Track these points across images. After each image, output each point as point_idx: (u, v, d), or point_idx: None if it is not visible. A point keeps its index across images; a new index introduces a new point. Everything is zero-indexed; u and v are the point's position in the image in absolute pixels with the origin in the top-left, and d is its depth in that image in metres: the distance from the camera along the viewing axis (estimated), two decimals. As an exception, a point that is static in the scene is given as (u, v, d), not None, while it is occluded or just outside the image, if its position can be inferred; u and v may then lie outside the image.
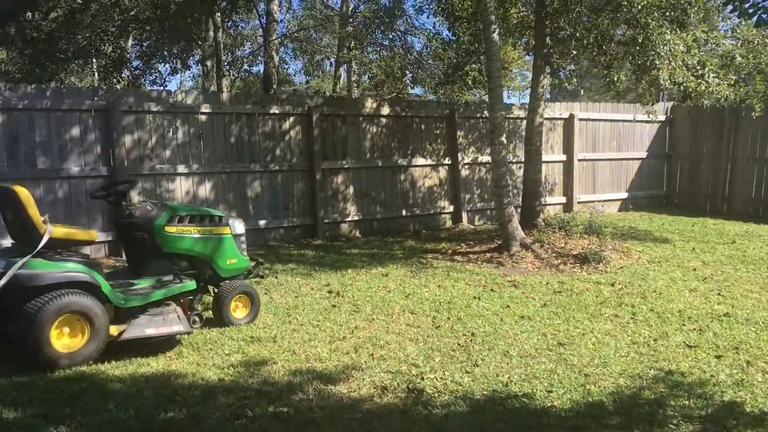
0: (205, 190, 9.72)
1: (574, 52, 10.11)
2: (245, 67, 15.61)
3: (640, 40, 9.02)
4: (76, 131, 8.70)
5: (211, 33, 14.28)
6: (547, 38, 10.11)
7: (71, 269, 4.82)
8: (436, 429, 3.83)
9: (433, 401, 4.22)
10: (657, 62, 8.94)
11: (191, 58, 14.71)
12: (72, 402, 4.08)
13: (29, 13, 12.13)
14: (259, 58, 15.83)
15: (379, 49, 15.45)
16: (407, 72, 15.13)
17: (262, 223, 10.12)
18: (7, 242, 7.78)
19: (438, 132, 12.11)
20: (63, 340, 4.69)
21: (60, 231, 4.99)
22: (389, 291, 7.22)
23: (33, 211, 4.81)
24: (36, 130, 8.41)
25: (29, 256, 4.74)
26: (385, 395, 4.30)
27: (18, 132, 8.30)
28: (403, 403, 4.17)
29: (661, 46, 8.87)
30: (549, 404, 4.25)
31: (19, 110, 8.30)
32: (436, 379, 4.59)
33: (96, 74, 18.64)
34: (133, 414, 3.90)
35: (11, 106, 8.22)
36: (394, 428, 3.81)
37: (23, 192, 4.80)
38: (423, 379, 4.59)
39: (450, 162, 12.17)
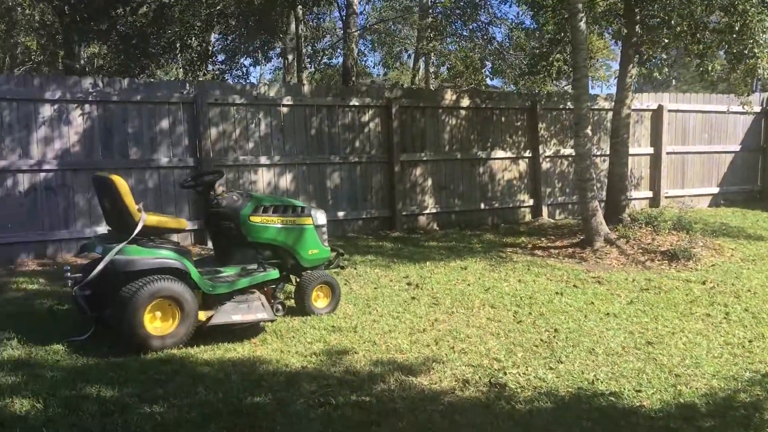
0: (286, 181, 9.90)
1: (666, 41, 9.71)
2: (325, 59, 15.78)
3: (737, 28, 8.58)
4: (165, 123, 9.02)
5: (293, 26, 14.51)
6: (637, 26, 9.75)
7: (163, 256, 5.00)
8: (519, 425, 3.77)
9: (515, 396, 4.16)
10: (756, 51, 8.48)
11: (272, 50, 14.99)
12: (164, 383, 4.23)
13: (120, 9, 12.63)
14: (339, 50, 15.97)
15: (458, 39, 15.31)
16: (487, 63, 14.93)
17: (340, 214, 10.22)
18: (102, 229, 8.17)
19: (519, 124, 11.91)
20: (155, 324, 4.88)
21: (153, 219, 5.18)
22: (468, 284, 7.16)
23: (129, 199, 5.01)
24: (129, 121, 8.78)
25: (125, 242, 4.95)
26: (466, 388, 4.27)
27: (112, 124, 8.68)
28: (486, 397, 4.13)
29: (759, 34, 8.41)
30: (638, 404, 4.12)
31: (114, 103, 8.68)
32: (519, 375, 4.52)
33: (180, 68, 19.26)
34: (222, 397, 4.01)
35: (107, 98, 8.60)
36: (477, 422, 3.77)
37: (120, 181, 5.01)
38: (505, 373, 4.53)
39: (530, 155, 11.95)
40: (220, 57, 15.08)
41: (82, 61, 13.63)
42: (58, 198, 8.35)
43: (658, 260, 8.29)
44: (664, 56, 11.19)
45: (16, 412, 3.76)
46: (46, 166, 8.25)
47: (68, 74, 11.89)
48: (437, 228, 11.06)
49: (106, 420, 3.68)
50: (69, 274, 5.12)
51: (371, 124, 10.56)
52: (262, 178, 9.72)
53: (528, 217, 12.00)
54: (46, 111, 8.29)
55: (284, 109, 9.86)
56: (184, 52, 13.40)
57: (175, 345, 4.90)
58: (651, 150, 13.06)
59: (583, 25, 8.73)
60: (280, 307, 5.71)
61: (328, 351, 4.93)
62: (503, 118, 11.76)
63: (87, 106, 8.52)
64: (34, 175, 8.23)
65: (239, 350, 4.94)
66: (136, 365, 4.55)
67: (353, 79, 15.15)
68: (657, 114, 13.01)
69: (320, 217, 6.09)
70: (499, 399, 4.11)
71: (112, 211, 5.20)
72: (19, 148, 8.14)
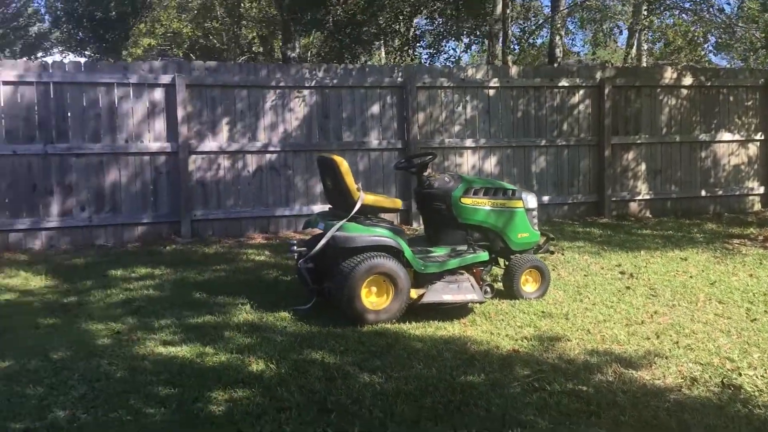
0: (490, 164, 9.84)
1: None
2: (530, 39, 15.40)
3: None
4: (376, 107, 9.38)
5: (498, 8, 14.33)
6: None
7: (379, 234, 5.20)
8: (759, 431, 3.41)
9: (753, 400, 3.76)
10: None
11: (479, 33, 14.92)
12: (381, 355, 4.41)
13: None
14: (544, 29, 15.49)
15: (677, 13, 14.14)
16: (710, 37, 13.65)
17: (545, 198, 9.96)
18: (318, 208, 8.72)
19: (749, 104, 10.78)
20: (370, 298, 5.10)
21: (370, 198, 5.41)
22: (690, 276, 6.62)
23: (349, 179, 5.28)
24: (342, 106, 9.25)
25: (344, 220, 5.23)
26: (694, 387, 3.95)
27: (329, 108, 9.20)
28: (717, 398, 3.78)
29: None
30: None
31: (330, 88, 9.19)
32: (756, 377, 4.09)
33: (383, 52, 19.84)
34: (436, 373, 4.09)
35: (324, 85, 9.13)
36: (709, 423, 3.47)
37: (342, 162, 5.28)
38: (740, 374, 4.12)
39: (762, 137, 10.77)
40: (427, 41, 15.32)
41: (297, 50, 14.60)
42: (280, 178, 9.05)
43: None
44: None
45: (253, 371, 4.13)
46: (270, 148, 8.97)
47: (284, 62, 12.79)
48: (650, 215, 10.38)
49: (330, 385, 3.91)
50: (295, 248, 5.52)
51: (581, 106, 10.14)
52: (467, 161, 9.75)
53: (757, 206, 10.85)
54: (271, 97, 8.99)
55: (490, 92, 9.80)
56: (391, 37, 13.81)
57: (388, 320, 5.08)
58: None
59: (837, -13, 7.64)
60: (488, 289, 5.70)
61: (539, 336, 4.83)
62: (731, 98, 10.70)
63: (306, 92, 9.11)
64: (261, 156, 8.98)
65: (449, 329, 5.00)
66: (354, 336, 4.79)
67: (559, 59, 14.64)
68: None
69: (531, 201, 5.97)
70: (733, 401, 3.74)
71: (334, 189, 5.50)
72: (249, 132, 8.92)
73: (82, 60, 16.01)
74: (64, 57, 25.33)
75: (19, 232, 7.98)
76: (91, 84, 8.24)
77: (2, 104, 7.90)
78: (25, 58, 24.15)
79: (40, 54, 27.82)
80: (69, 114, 8.16)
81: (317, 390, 3.83)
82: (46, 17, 27.59)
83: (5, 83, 7.87)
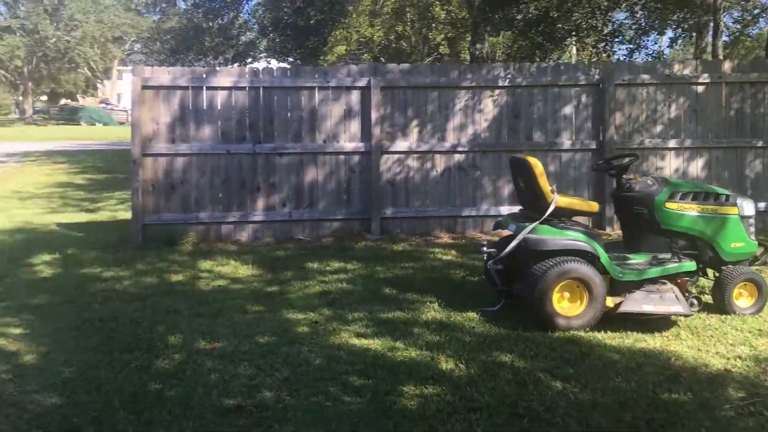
0: (696, 167, 9.09)
1: None
2: (746, 31, 14.01)
3: None
4: (568, 106, 9.04)
5: (709, -3, 13.21)
6: None
7: (573, 237, 5.00)
8: None
9: None
10: None
11: (686, 25, 13.87)
12: (574, 363, 4.23)
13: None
14: (761, 19, 14.01)
15: None
16: None
17: (761, 205, 8.95)
18: (504, 209, 8.59)
19: None
20: (562, 304, 4.92)
21: (564, 201, 5.22)
22: None
23: (543, 180, 5.13)
24: (534, 105, 9.03)
25: (537, 222, 5.09)
26: None
27: (519, 108, 9.03)
28: None
29: None
30: None
31: (522, 87, 9.02)
32: None
33: (574, 50, 19.10)
34: (635, 387, 3.84)
35: (515, 84, 8.98)
36: None
37: (536, 163, 5.15)
38: None
39: None
40: (622, 37, 14.52)
41: (485, 50, 14.51)
42: (468, 178, 9.04)
43: None
44: None
45: (443, 369, 4.15)
46: (459, 149, 8.98)
47: (472, 63, 12.75)
48: None
49: (521, 389, 3.83)
50: (485, 248, 5.47)
51: (809, 103, 9.03)
52: (669, 164, 9.09)
53: None
54: (462, 98, 9.00)
55: (699, 88, 9.04)
56: (586, 33, 13.25)
57: (581, 327, 4.87)
58: None
59: None
60: (695, 301, 5.24)
61: (755, 357, 4.36)
62: None
63: (497, 92, 9.01)
64: (449, 157, 9.02)
65: (650, 342, 4.68)
66: (545, 341, 4.65)
67: (779, 51, 13.18)
68: None
69: (748, 207, 5.41)
70: None
71: (527, 191, 5.37)
72: (438, 133, 9.00)
73: (286, 65, 17.24)
74: (269, 63, 27.46)
75: (229, 224, 8.72)
76: (295, 88, 8.79)
77: (219, 108, 8.69)
78: (236, 65, 26.47)
79: (249, 60, 30.45)
80: (275, 116, 8.78)
81: (508, 393, 3.76)
82: (255, 27, 30.14)
83: (222, 89, 8.65)
